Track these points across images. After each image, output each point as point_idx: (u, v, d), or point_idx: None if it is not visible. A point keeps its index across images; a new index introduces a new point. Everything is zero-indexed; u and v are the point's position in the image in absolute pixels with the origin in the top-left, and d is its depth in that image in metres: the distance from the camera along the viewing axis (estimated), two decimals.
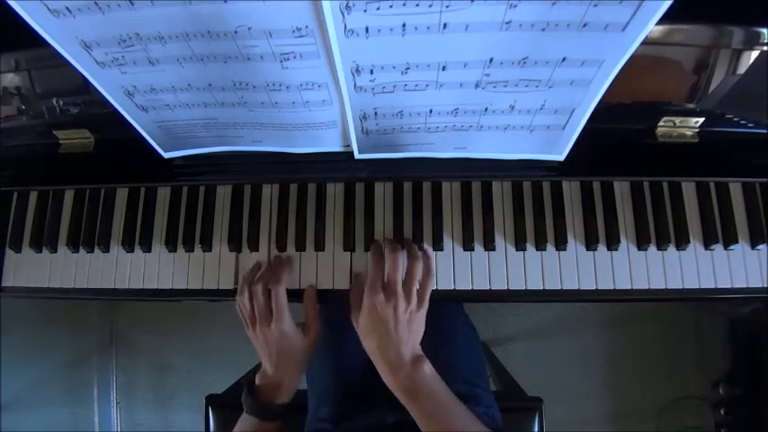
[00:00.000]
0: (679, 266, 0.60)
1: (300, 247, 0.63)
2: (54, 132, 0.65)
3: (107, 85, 0.50)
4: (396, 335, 0.54)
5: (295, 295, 0.61)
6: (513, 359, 1.35)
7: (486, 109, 0.51)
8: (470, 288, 0.61)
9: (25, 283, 0.66)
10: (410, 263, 0.57)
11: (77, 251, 0.66)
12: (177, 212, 0.66)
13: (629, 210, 0.62)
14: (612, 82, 0.46)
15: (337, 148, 0.60)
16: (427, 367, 0.54)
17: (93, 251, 0.66)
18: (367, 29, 0.41)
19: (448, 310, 0.77)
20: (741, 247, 0.60)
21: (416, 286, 0.56)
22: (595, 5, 0.39)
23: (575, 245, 0.61)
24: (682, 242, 0.60)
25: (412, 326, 0.55)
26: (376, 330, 0.55)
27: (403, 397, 0.53)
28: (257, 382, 0.59)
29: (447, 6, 0.39)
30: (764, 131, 0.60)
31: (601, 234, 0.61)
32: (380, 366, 0.55)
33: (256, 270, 0.62)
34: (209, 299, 0.64)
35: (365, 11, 0.39)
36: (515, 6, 0.39)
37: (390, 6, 0.39)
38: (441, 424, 0.52)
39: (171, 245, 0.64)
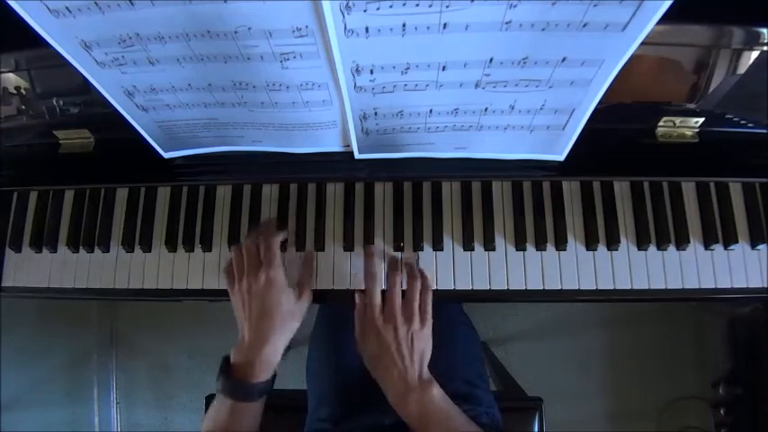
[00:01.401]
0: (679, 266, 0.60)
1: (300, 247, 0.63)
2: (54, 132, 0.65)
3: (107, 85, 0.50)
4: (399, 358, 0.53)
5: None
6: (513, 359, 1.35)
7: (486, 109, 0.51)
8: (470, 288, 0.61)
9: (25, 283, 0.66)
10: (409, 282, 0.57)
11: (77, 251, 0.66)
12: (177, 212, 0.66)
13: (629, 210, 0.61)
14: (612, 82, 0.46)
15: (337, 148, 0.60)
16: (436, 391, 0.53)
17: (93, 251, 0.66)
18: (367, 29, 0.41)
19: (448, 310, 0.77)
20: (741, 248, 0.60)
21: (416, 306, 0.55)
22: (595, 5, 0.39)
23: (575, 245, 0.61)
24: (682, 242, 0.60)
25: (415, 346, 0.54)
26: (380, 357, 0.54)
27: (414, 423, 0.52)
28: (232, 359, 0.54)
29: (447, 6, 0.39)
30: (764, 131, 0.60)
31: (601, 234, 0.61)
32: (388, 394, 0.54)
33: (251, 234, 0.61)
34: (209, 299, 0.64)
35: (365, 11, 0.39)
36: (515, 6, 0.39)
37: (390, 6, 0.39)
38: None
39: (171, 245, 0.64)
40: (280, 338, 0.54)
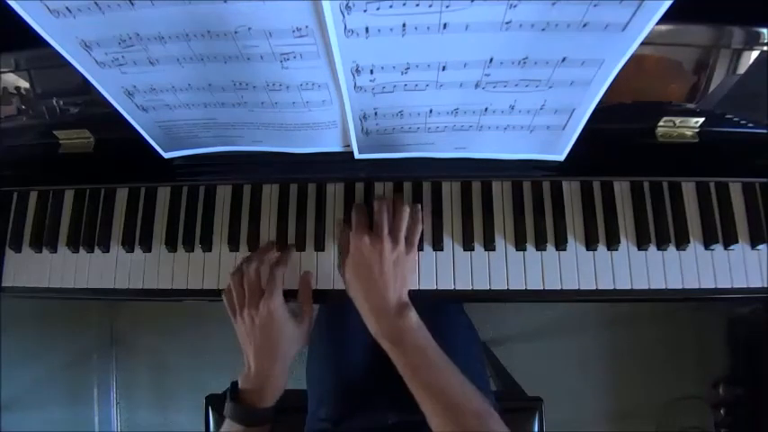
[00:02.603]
0: (679, 266, 0.60)
1: (300, 247, 0.63)
2: (54, 132, 0.65)
3: (107, 85, 0.50)
4: (381, 278, 0.52)
5: (293, 295, 0.61)
6: (513, 359, 1.34)
7: (486, 109, 0.51)
8: (470, 288, 0.61)
9: (25, 283, 0.66)
10: (396, 206, 0.56)
11: (77, 251, 0.66)
12: (177, 212, 0.66)
13: (629, 210, 0.61)
14: (612, 82, 0.46)
15: (337, 148, 0.60)
16: (413, 315, 0.52)
17: (93, 251, 0.66)
18: (367, 29, 0.41)
19: (448, 311, 0.77)
20: (741, 248, 0.60)
21: (404, 228, 0.55)
22: (595, 5, 0.39)
23: (575, 245, 0.61)
24: (682, 242, 0.60)
25: (399, 270, 0.53)
26: (361, 275, 0.53)
27: (388, 346, 0.52)
28: (240, 385, 0.57)
29: (447, 6, 0.39)
30: (764, 131, 0.60)
31: (601, 234, 0.61)
32: (365, 313, 0.53)
33: (250, 256, 0.61)
34: (209, 299, 0.64)
35: (365, 11, 0.39)
36: (515, 6, 0.39)
37: (390, 6, 0.39)
38: (428, 379, 0.49)
39: (171, 245, 0.64)
40: (284, 365, 0.56)
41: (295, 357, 0.58)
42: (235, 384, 0.57)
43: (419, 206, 0.60)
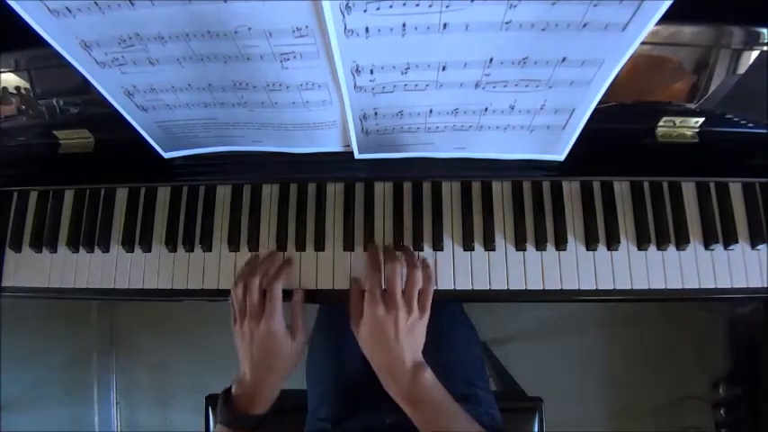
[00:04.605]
0: (679, 266, 0.60)
1: (300, 247, 0.63)
2: (54, 132, 0.65)
3: (107, 85, 0.50)
4: (397, 345, 0.53)
5: (290, 295, 0.60)
6: (513, 359, 1.34)
7: (486, 109, 0.51)
8: (470, 288, 0.61)
9: (25, 283, 0.66)
10: (409, 271, 0.56)
11: (77, 251, 0.66)
12: (177, 212, 0.65)
13: (629, 210, 0.61)
14: (612, 82, 0.46)
15: (337, 148, 0.60)
16: (428, 374, 0.54)
17: (93, 251, 0.66)
18: (367, 29, 0.41)
19: (448, 311, 0.77)
20: (741, 247, 0.60)
21: (416, 294, 0.55)
22: (595, 5, 0.39)
23: (575, 245, 0.61)
24: (682, 242, 0.60)
25: (413, 335, 0.55)
26: (377, 342, 0.54)
27: (405, 404, 0.53)
28: (233, 390, 0.57)
29: (447, 6, 0.39)
30: (764, 131, 0.60)
31: (601, 234, 0.61)
32: (382, 375, 0.55)
33: (253, 263, 0.61)
34: (209, 299, 0.64)
35: (365, 11, 0.39)
36: (515, 6, 0.39)
37: (390, 6, 0.39)
38: (442, 428, 0.51)
39: (171, 245, 0.64)
40: (278, 380, 0.57)
41: (290, 372, 0.59)
42: (228, 389, 0.58)
43: (428, 261, 0.60)
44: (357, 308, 0.57)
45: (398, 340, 0.53)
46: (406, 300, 0.54)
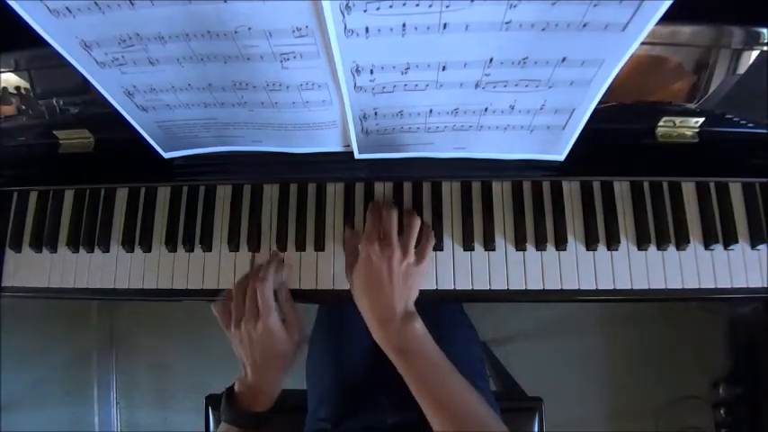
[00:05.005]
0: (679, 266, 0.60)
1: (300, 247, 0.63)
2: (54, 132, 0.65)
3: (107, 85, 0.50)
4: (389, 286, 0.52)
5: (295, 295, 0.61)
6: (513, 359, 1.35)
7: (486, 109, 0.51)
8: (470, 288, 0.61)
9: (25, 283, 0.66)
10: (408, 219, 0.56)
11: (77, 251, 0.66)
12: (177, 212, 0.65)
13: (629, 210, 0.61)
14: (612, 82, 0.46)
15: (337, 148, 0.60)
16: (419, 324, 0.52)
17: (93, 251, 0.66)
18: (367, 29, 0.41)
19: (448, 310, 0.77)
20: (741, 247, 0.60)
21: (414, 240, 0.54)
22: (595, 5, 0.39)
23: (575, 245, 0.61)
24: (682, 242, 0.60)
25: (407, 281, 0.53)
26: (369, 284, 0.53)
27: (393, 355, 0.52)
28: (236, 389, 0.58)
29: (447, 6, 0.39)
30: (764, 131, 0.60)
31: (601, 234, 0.61)
32: (369, 320, 0.54)
33: (242, 281, 0.60)
34: (209, 299, 0.64)
35: (365, 11, 0.39)
36: (515, 6, 0.39)
37: (390, 6, 0.39)
38: (434, 387, 0.50)
39: (171, 245, 0.64)
40: (276, 375, 0.58)
41: (290, 365, 0.59)
42: (231, 387, 0.58)
43: (429, 225, 0.60)
44: (352, 254, 0.56)
45: (391, 282, 0.52)
46: (402, 243, 0.53)
